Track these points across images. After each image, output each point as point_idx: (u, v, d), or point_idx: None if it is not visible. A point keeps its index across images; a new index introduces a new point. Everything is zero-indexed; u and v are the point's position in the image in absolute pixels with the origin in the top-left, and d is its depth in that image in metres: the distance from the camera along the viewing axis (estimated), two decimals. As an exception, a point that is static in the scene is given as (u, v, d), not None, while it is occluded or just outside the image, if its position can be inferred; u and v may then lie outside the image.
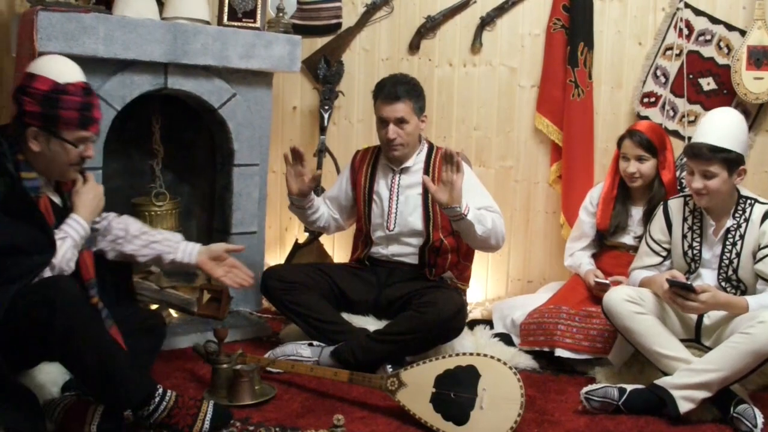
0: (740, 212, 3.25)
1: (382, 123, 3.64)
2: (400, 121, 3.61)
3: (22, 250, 2.53)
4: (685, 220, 3.38)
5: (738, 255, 3.23)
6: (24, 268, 2.54)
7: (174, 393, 2.70)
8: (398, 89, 3.60)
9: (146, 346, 3.00)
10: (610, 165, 3.93)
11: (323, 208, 3.86)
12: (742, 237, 3.23)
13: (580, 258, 3.96)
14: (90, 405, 2.61)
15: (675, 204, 3.44)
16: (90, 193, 2.85)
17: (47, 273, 2.60)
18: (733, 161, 3.14)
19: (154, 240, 3.08)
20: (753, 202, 3.26)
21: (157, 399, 2.63)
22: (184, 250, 3.10)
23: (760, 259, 3.17)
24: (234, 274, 3.16)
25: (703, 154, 3.13)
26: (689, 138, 4.33)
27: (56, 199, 2.81)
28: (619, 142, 3.82)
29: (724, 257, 3.26)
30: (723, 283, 3.27)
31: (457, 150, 3.85)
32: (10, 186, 2.57)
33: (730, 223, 3.25)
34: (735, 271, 3.24)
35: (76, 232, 2.73)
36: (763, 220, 3.20)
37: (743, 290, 3.25)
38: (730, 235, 3.25)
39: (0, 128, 2.75)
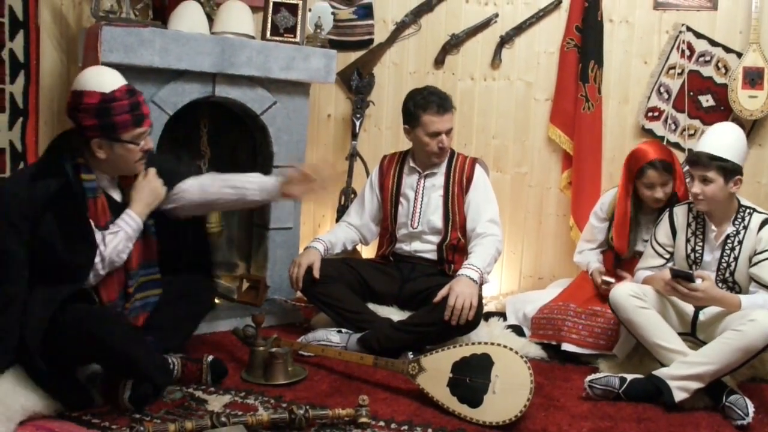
0: (740, 220, 3.25)
1: (435, 135, 3.61)
2: (449, 132, 3.64)
3: (62, 249, 2.57)
4: (689, 225, 3.38)
5: (736, 259, 3.23)
6: (65, 272, 2.59)
7: (179, 362, 2.93)
8: (447, 102, 3.63)
9: (190, 312, 3.11)
10: (620, 190, 3.71)
11: (340, 235, 3.85)
12: (740, 243, 3.22)
13: (588, 256, 3.92)
14: (122, 378, 2.70)
15: (680, 210, 3.44)
16: (146, 188, 2.86)
17: (98, 265, 2.65)
18: (729, 170, 3.14)
19: (233, 181, 3.06)
20: (752, 211, 3.26)
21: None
22: (263, 189, 3.05)
23: (755, 264, 3.17)
24: (311, 191, 3.05)
25: (701, 161, 3.15)
26: (689, 150, 4.34)
27: (116, 196, 2.84)
28: (639, 173, 3.57)
29: (723, 261, 3.26)
30: (720, 285, 3.26)
31: (476, 156, 3.87)
32: (64, 185, 2.60)
33: (729, 229, 3.25)
34: (732, 274, 3.24)
35: (129, 227, 2.77)
36: (760, 228, 3.19)
37: (738, 292, 3.24)
38: (729, 241, 3.25)
39: (66, 133, 2.79)
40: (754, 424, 2.81)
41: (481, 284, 3.41)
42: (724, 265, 3.26)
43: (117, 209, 2.81)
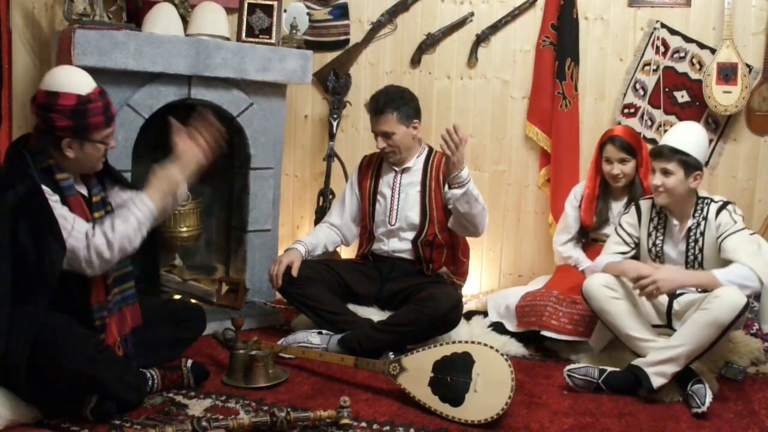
0: (699, 212, 3.32)
1: (375, 135, 3.70)
2: (386, 135, 3.64)
3: (34, 250, 2.52)
4: (651, 220, 3.45)
5: (701, 250, 3.29)
6: (38, 274, 2.52)
7: (158, 373, 2.92)
8: (380, 103, 3.63)
9: (182, 337, 3.10)
10: (590, 166, 3.97)
11: (321, 236, 3.86)
12: (702, 234, 3.29)
13: (570, 251, 3.96)
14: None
15: (644, 205, 3.50)
16: (164, 177, 2.82)
17: (104, 251, 2.60)
18: (690, 164, 3.21)
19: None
20: (709, 201, 3.32)
21: (149, 384, 2.88)
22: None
23: (722, 246, 3.21)
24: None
25: (663, 153, 3.23)
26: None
27: (83, 191, 2.80)
28: (601, 147, 3.85)
29: (689, 254, 3.32)
30: None
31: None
32: (30, 188, 2.55)
33: (690, 222, 3.31)
34: (701, 265, 3.30)
35: (140, 212, 2.72)
36: (717, 215, 3.26)
37: None
38: (692, 233, 3.31)
39: (21, 139, 2.76)
40: (709, 413, 2.87)
41: (461, 187, 3.40)
42: (692, 257, 3.32)
43: (89, 205, 2.78)
